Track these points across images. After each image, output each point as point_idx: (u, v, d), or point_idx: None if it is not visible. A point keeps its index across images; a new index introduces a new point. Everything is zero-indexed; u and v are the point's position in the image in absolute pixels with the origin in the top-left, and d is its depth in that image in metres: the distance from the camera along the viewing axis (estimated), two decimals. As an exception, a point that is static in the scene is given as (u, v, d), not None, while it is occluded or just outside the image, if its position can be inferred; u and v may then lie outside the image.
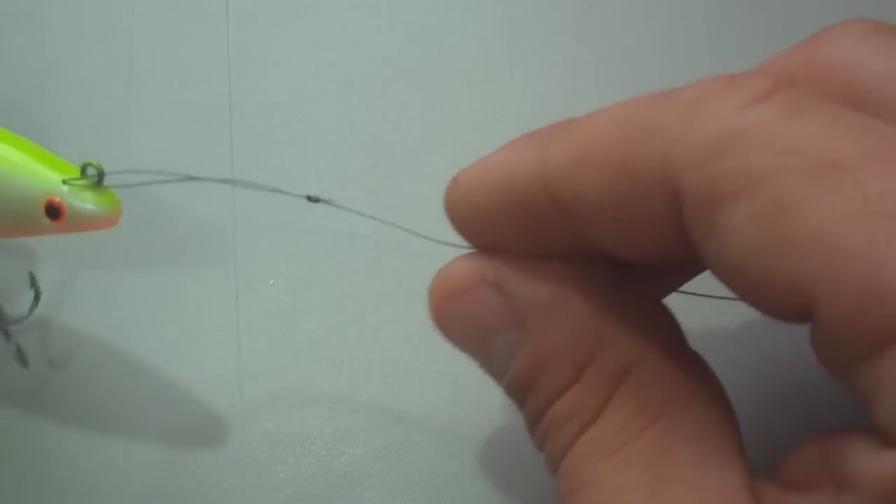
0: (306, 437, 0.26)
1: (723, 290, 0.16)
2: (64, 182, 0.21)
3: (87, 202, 0.21)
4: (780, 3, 0.34)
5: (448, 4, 0.35)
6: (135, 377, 0.27)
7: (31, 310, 0.27)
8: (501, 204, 0.18)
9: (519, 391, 0.19)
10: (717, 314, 0.24)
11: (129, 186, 0.22)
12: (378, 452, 0.26)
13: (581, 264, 0.18)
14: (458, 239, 0.19)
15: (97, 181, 0.21)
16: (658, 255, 0.17)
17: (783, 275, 0.14)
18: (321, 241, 0.29)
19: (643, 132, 0.15)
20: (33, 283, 0.27)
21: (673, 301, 0.20)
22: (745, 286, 0.15)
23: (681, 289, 0.21)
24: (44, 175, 0.21)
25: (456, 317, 0.19)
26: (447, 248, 0.20)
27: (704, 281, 0.19)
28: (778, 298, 0.14)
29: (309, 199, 0.21)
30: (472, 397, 0.26)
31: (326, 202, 0.21)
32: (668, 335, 0.18)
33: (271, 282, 0.29)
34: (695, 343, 0.19)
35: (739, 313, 0.24)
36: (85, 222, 0.21)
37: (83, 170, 0.21)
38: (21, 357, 0.26)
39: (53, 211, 0.21)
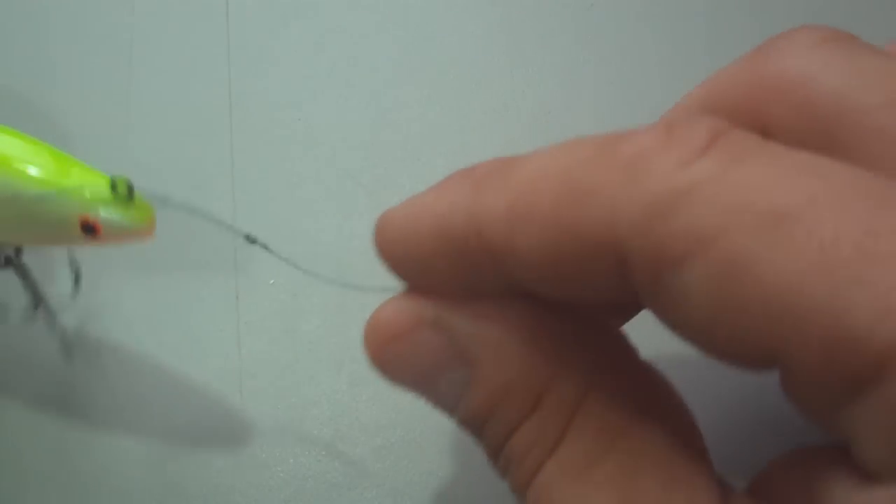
0: (306, 437, 0.26)
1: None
2: (95, 198, 0.21)
3: (121, 218, 0.21)
4: (780, 3, 0.34)
5: (448, 4, 0.35)
6: (135, 377, 0.27)
7: (74, 295, 0.26)
8: (433, 248, 0.17)
9: (473, 426, 0.18)
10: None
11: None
12: (378, 452, 0.26)
13: (522, 297, 0.17)
14: (391, 283, 0.19)
15: (128, 196, 0.21)
16: (602, 304, 0.17)
17: (743, 334, 0.14)
18: (321, 240, 0.29)
19: (582, 193, 0.15)
20: (72, 264, 0.26)
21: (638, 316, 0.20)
22: (705, 344, 0.15)
23: None
24: (76, 194, 0.21)
25: (397, 361, 0.18)
26: None
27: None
28: (741, 355, 0.14)
29: (247, 238, 0.21)
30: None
31: (262, 246, 0.21)
32: (621, 354, 0.18)
33: (271, 282, 0.29)
34: (663, 355, 0.19)
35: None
36: (122, 236, 0.21)
37: (112, 186, 0.20)
38: (66, 349, 0.26)
39: (89, 228, 0.21)
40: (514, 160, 0.16)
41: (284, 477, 0.26)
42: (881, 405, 0.13)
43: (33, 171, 0.21)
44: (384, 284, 0.19)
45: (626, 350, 0.18)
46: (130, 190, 0.21)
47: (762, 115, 0.18)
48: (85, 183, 0.21)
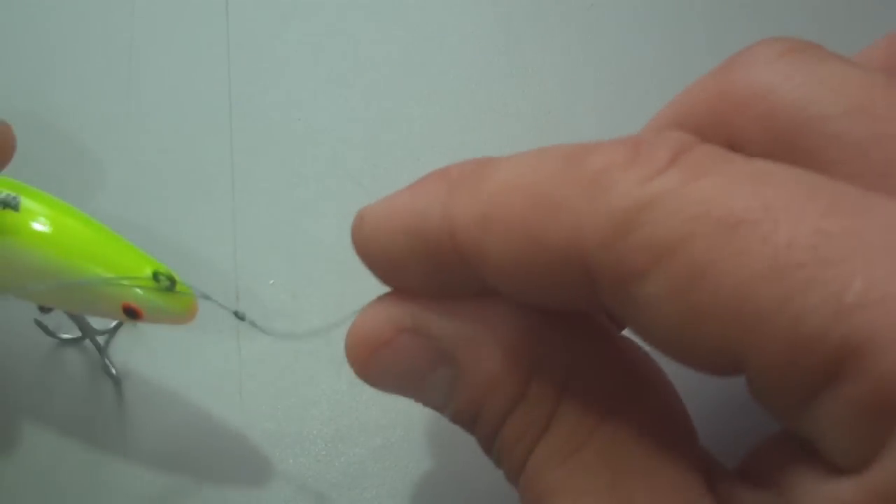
0: (306, 437, 0.26)
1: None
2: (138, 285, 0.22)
3: (162, 305, 0.22)
4: (780, 3, 0.34)
5: (448, 4, 0.35)
6: (134, 377, 0.27)
7: (118, 322, 0.27)
8: (408, 249, 0.17)
9: (465, 421, 0.19)
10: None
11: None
12: (378, 452, 0.26)
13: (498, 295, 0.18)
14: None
15: (169, 287, 0.21)
16: (571, 308, 0.17)
17: (706, 341, 0.14)
18: (321, 240, 0.29)
19: (549, 207, 0.15)
20: None
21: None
22: (670, 352, 0.15)
23: None
24: (118, 283, 0.21)
25: (381, 371, 0.19)
26: None
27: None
28: (706, 361, 0.14)
29: (236, 315, 0.22)
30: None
31: (251, 323, 0.22)
32: (602, 335, 0.18)
33: (271, 282, 0.29)
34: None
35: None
36: (162, 321, 0.22)
37: (155, 277, 0.21)
38: (109, 371, 0.27)
39: (132, 313, 0.22)
40: (487, 164, 0.17)
41: (284, 477, 0.26)
42: (841, 402, 0.13)
43: (80, 253, 0.21)
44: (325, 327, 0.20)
45: (608, 332, 0.19)
46: (173, 282, 0.21)
47: (728, 128, 0.19)
48: (130, 270, 0.21)
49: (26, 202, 0.22)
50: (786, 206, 0.13)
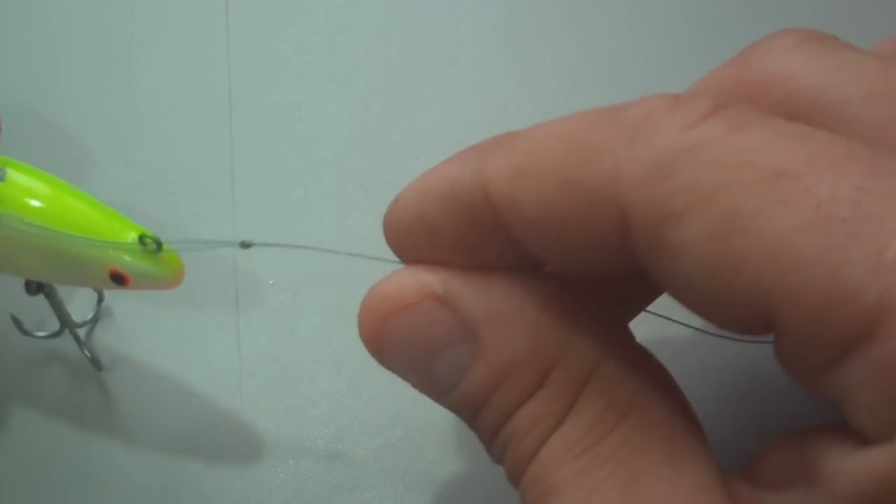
0: (306, 437, 0.26)
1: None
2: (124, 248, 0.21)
3: (149, 269, 0.21)
4: (780, 3, 0.34)
5: (448, 4, 0.35)
6: (134, 377, 0.27)
7: (96, 312, 0.27)
8: (441, 213, 0.17)
9: (471, 405, 0.18)
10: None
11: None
12: (378, 452, 0.26)
13: (529, 273, 0.18)
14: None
15: (156, 250, 0.21)
16: (602, 270, 0.17)
17: (741, 290, 0.14)
18: (321, 240, 0.29)
19: (587, 150, 0.15)
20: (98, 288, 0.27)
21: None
22: (702, 303, 0.15)
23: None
24: (104, 248, 0.21)
25: (397, 337, 0.18)
26: None
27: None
28: (737, 313, 0.14)
29: (243, 244, 0.21)
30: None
31: (260, 244, 0.21)
32: (623, 335, 0.18)
33: (271, 282, 0.29)
34: (658, 344, 0.19)
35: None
36: (150, 285, 0.22)
37: (141, 240, 0.21)
38: (95, 361, 0.27)
39: (118, 279, 0.21)
40: (519, 131, 0.17)
41: (284, 477, 0.26)
42: (873, 363, 0.13)
43: (65, 221, 0.21)
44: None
45: (625, 331, 0.19)
46: (159, 244, 0.21)
47: None
48: (115, 235, 0.21)
49: (12, 174, 0.22)
50: (829, 163, 0.13)
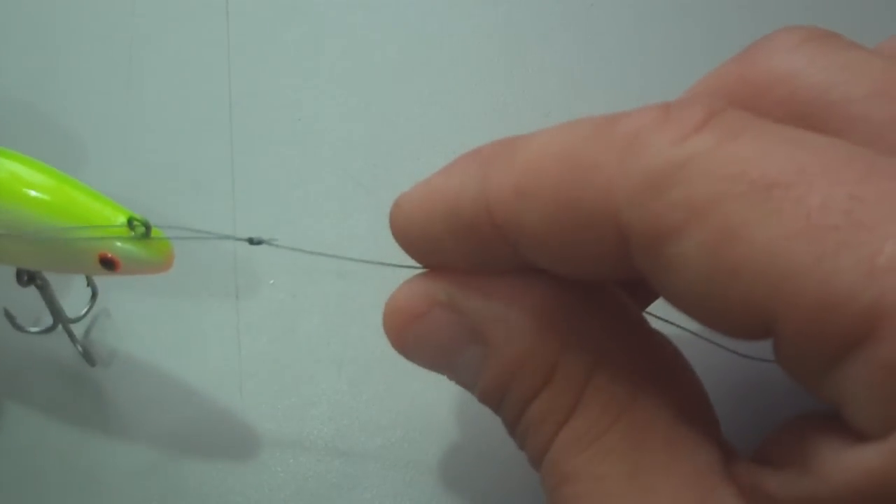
0: (306, 437, 0.26)
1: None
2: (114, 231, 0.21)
3: (139, 253, 0.21)
4: (780, 3, 0.34)
5: (448, 4, 0.35)
6: (134, 377, 0.27)
7: (90, 308, 0.27)
8: (445, 228, 0.18)
9: (492, 399, 0.19)
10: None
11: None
12: (378, 452, 0.26)
13: (532, 273, 0.18)
14: (409, 261, 0.19)
15: (144, 233, 0.21)
16: (606, 278, 0.17)
17: (738, 298, 0.14)
18: (321, 240, 0.29)
19: (583, 168, 0.15)
20: (90, 281, 0.27)
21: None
22: (701, 311, 0.15)
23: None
24: (94, 232, 0.21)
25: (416, 342, 0.19)
26: None
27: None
28: (736, 320, 0.15)
29: (251, 241, 0.21)
30: (473, 396, 0.26)
31: (268, 243, 0.21)
32: (629, 323, 0.19)
33: (271, 282, 0.29)
34: (669, 329, 0.19)
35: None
36: (140, 270, 0.22)
37: (130, 223, 0.21)
38: (88, 356, 0.27)
39: (108, 263, 0.21)
40: (518, 140, 0.17)
41: (284, 477, 0.26)
42: (869, 364, 0.13)
43: (53, 206, 0.21)
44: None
45: (634, 317, 0.19)
46: (148, 228, 0.21)
47: (751, 111, 0.18)
48: (104, 219, 0.21)
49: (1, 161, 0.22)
50: (820, 171, 0.14)
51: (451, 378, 0.20)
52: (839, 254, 0.13)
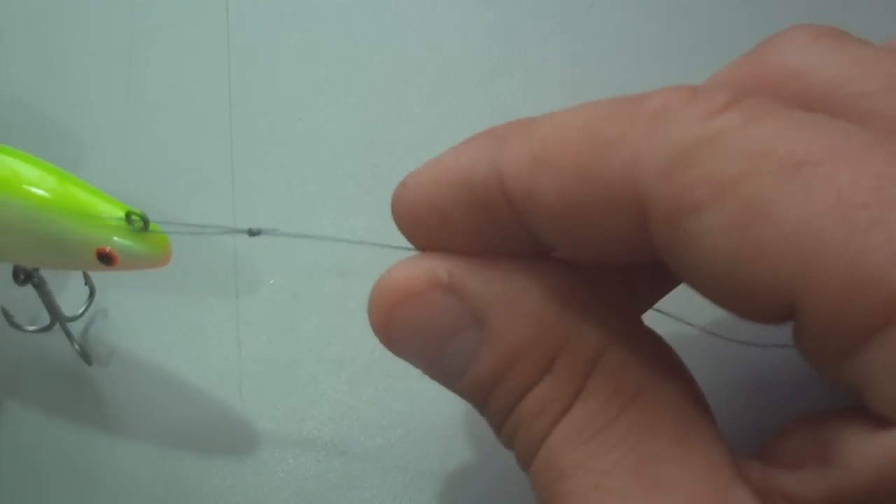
0: (306, 437, 0.26)
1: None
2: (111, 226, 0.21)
3: (137, 248, 0.21)
4: (779, 3, 0.34)
5: (448, 4, 0.35)
6: (134, 377, 0.27)
7: (87, 306, 0.27)
8: (455, 202, 0.17)
9: (480, 391, 0.18)
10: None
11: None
12: (378, 452, 0.26)
13: (537, 258, 0.18)
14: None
15: (142, 227, 0.21)
16: (617, 260, 0.17)
17: (762, 278, 0.14)
18: (321, 240, 0.29)
19: (606, 141, 0.15)
20: (87, 279, 0.27)
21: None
22: (722, 292, 0.15)
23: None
24: (92, 227, 0.21)
25: (405, 324, 0.18)
26: None
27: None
28: (758, 301, 0.14)
29: (250, 232, 0.21)
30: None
31: (267, 233, 0.21)
32: (631, 318, 0.18)
33: (271, 282, 0.29)
34: (667, 331, 0.19)
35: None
36: (138, 265, 0.22)
37: (128, 218, 0.21)
38: (85, 355, 0.27)
39: (106, 258, 0.21)
40: (534, 118, 0.17)
41: (284, 477, 0.26)
42: (894, 347, 0.13)
43: (51, 201, 0.21)
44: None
45: (633, 315, 0.19)
46: (145, 222, 0.21)
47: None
48: (101, 213, 0.21)
49: None
50: (849, 151, 0.14)
51: (429, 370, 0.19)
52: (869, 232, 0.13)
